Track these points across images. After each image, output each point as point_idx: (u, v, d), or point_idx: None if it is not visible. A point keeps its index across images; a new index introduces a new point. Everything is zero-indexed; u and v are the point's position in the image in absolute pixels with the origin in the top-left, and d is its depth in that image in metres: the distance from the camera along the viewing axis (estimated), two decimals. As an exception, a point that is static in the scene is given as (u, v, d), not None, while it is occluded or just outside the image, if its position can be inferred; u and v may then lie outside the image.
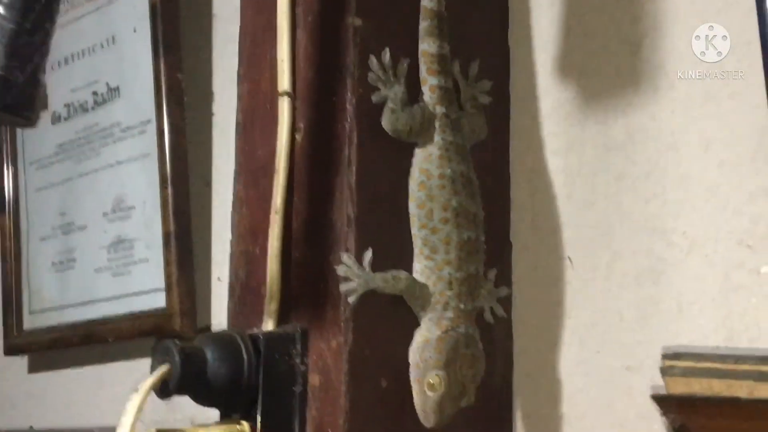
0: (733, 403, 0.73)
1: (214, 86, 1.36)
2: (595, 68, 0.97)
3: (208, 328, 1.28)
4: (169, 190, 1.32)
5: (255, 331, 0.93)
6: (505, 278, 1.00)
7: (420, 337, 0.90)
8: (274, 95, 0.99)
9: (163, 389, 0.87)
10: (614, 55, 0.95)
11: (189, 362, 0.87)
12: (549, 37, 1.01)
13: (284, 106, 0.97)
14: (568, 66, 0.99)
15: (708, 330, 0.86)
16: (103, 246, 1.42)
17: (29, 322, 1.55)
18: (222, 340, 0.90)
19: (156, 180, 1.33)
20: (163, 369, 0.86)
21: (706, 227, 0.87)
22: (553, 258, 0.98)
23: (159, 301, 1.32)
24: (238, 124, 1.05)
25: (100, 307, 1.42)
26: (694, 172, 0.89)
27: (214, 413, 0.92)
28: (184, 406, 0.94)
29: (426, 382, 0.88)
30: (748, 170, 0.82)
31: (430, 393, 0.88)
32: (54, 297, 1.51)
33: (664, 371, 0.79)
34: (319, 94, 0.97)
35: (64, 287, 1.49)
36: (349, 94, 0.93)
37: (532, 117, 1.01)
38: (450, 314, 0.90)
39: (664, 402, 0.77)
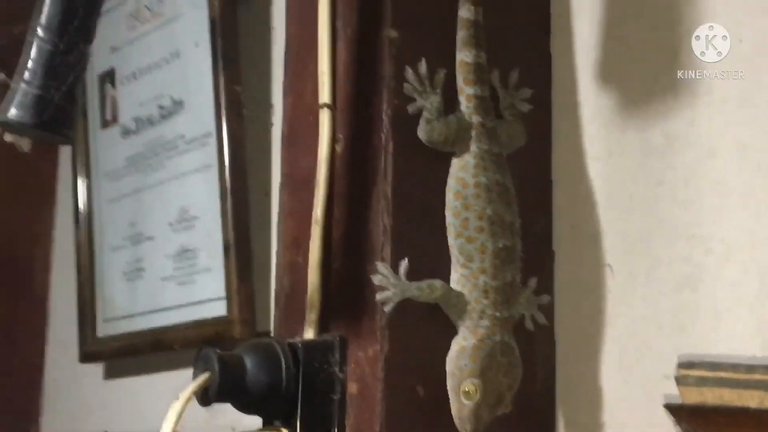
0: (743, 412, 0.72)
1: (272, 98, 1.39)
2: (633, 74, 0.97)
3: (267, 334, 1.30)
4: (229, 201, 1.34)
5: (295, 339, 0.95)
6: (547, 286, 1.00)
7: (456, 345, 0.91)
8: (316, 107, 1.01)
9: (204, 396, 0.89)
10: (650, 58, 0.95)
11: (228, 370, 0.89)
12: (590, 44, 1.01)
13: (324, 118, 0.99)
14: (608, 72, 0.99)
15: (745, 337, 0.85)
16: (169, 255, 1.46)
17: (103, 330, 1.59)
18: (261, 348, 0.92)
19: (217, 191, 1.36)
20: (203, 377, 0.89)
21: (742, 233, 0.86)
22: (594, 265, 0.98)
23: (220, 309, 1.35)
24: (283, 135, 1.07)
25: (166, 315, 1.45)
26: (731, 178, 0.88)
27: (255, 420, 0.94)
28: (226, 413, 0.96)
29: (462, 390, 0.88)
30: (786, 175, 0.81)
31: (466, 401, 0.88)
32: (125, 305, 1.55)
33: (679, 380, 0.78)
34: (358, 106, 0.98)
35: (134, 296, 1.53)
36: (384, 105, 0.95)
37: (573, 123, 1.01)
38: (486, 322, 0.91)
39: (677, 411, 0.77)
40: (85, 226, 1.63)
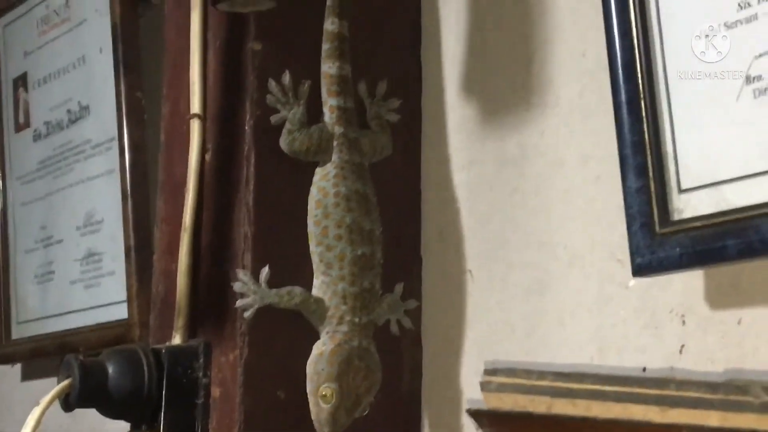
0: (530, 417, 0.75)
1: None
2: (493, 85, 1.00)
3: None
4: (130, 204, 1.37)
5: (161, 345, 0.97)
6: (414, 291, 1.02)
7: (316, 350, 0.93)
8: (189, 116, 1.03)
9: (65, 402, 0.92)
10: (508, 72, 0.98)
11: (89, 376, 0.92)
12: (456, 56, 1.03)
13: (195, 128, 1.01)
14: (472, 83, 1.02)
15: (583, 341, 0.88)
16: (77, 259, 1.48)
17: (17, 332, 1.61)
18: (124, 354, 0.94)
19: (119, 195, 1.39)
20: (63, 383, 0.91)
21: (584, 240, 0.89)
22: (457, 271, 1.01)
23: (122, 312, 1.38)
24: (161, 143, 1.09)
25: (73, 318, 1.48)
26: (575, 187, 0.91)
27: (123, 425, 0.97)
28: (91, 418, 0.98)
29: (319, 393, 0.91)
30: (620, 185, 0.83)
31: (323, 404, 0.90)
32: (37, 308, 1.57)
33: (482, 386, 0.81)
34: (226, 116, 1.01)
35: (45, 298, 1.55)
36: (248, 116, 0.97)
37: (440, 133, 1.04)
38: (344, 328, 0.93)
39: (478, 415, 0.79)
40: (0, 229, 1.65)
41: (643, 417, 0.70)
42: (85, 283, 1.47)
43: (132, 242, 1.36)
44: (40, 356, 1.55)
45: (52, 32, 1.55)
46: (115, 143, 1.40)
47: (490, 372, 0.82)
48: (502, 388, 0.80)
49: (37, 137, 1.58)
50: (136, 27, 1.40)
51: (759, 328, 0.77)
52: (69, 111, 1.51)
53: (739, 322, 0.77)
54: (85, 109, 1.48)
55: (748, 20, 0.72)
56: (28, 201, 1.61)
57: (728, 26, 0.74)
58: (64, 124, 1.52)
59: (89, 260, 1.46)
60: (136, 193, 1.37)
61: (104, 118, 1.43)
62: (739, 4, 0.73)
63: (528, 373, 0.79)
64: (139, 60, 1.40)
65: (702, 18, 0.75)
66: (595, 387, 0.75)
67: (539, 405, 0.75)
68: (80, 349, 1.44)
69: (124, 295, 1.38)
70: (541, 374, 0.78)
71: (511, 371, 0.81)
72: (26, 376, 1.68)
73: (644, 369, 0.82)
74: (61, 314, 1.51)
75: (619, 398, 0.73)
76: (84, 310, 1.46)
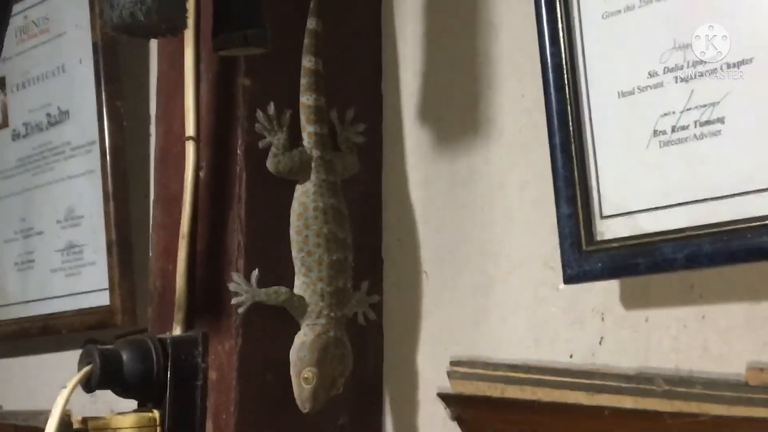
0: (488, 400, 0.95)
1: (151, 110, 1.56)
2: (445, 115, 1.18)
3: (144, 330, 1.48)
4: (111, 204, 1.52)
5: (165, 335, 1.14)
6: (376, 288, 1.21)
7: (298, 339, 1.11)
8: (183, 138, 1.20)
9: (87, 385, 1.09)
10: (458, 106, 1.16)
11: (108, 362, 1.08)
12: (413, 88, 1.21)
13: (190, 149, 1.18)
14: (427, 113, 1.20)
15: (521, 334, 1.07)
16: (58, 249, 1.63)
17: (-2, 315, 1.76)
18: (136, 343, 1.11)
19: (100, 194, 1.54)
20: (86, 368, 1.08)
21: (521, 252, 1.08)
22: (414, 272, 1.19)
23: (104, 299, 1.53)
24: (155, 159, 1.26)
25: (55, 303, 1.63)
26: (515, 206, 1.10)
27: (131, 403, 1.14)
28: (106, 398, 1.15)
29: (302, 376, 1.09)
30: (553, 206, 1.02)
31: (305, 386, 1.08)
32: (17, 293, 1.72)
33: (449, 374, 1.01)
34: (218, 139, 1.17)
35: (26, 285, 1.70)
36: (239, 141, 1.14)
37: (399, 154, 1.22)
38: (322, 321, 1.11)
39: (447, 398, 0.99)
40: (-23, 220, 1.79)
41: (576, 400, 0.90)
42: (66, 272, 1.62)
43: (114, 237, 1.52)
44: (21, 337, 1.70)
45: (30, 41, 1.68)
46: (96, 146, 1.55)
47: (455, 363, 1.02)
48: (465, 376, 0.99)
49: (15, 137, 1.72)
50: (115, 42, 1.55)
51: (661, 324, 0.97)
52: (49, 114, 1.65)
53: (646, 320, 0.98)
54: (64, 114, 1.62)
55: (655, 86, 0.92)
56: (5, 195, 1.74)
57: (640, 89, 0.93)
58: (44, 126, 1.66)
59: (70, 251, 1.61)
60: (117, 194, 1.53)
61: (84, 123, 1.58)
62: (648, 73, 0.92)
63: (486, 364, 0.99)
64: (119, 72, 1.55)
65: (619, 82, 0.94)
66: (538, 377, 0.95)
67: (495, 390, 0.95)
68: (62, 331, 1.61)
69: (105, 284, 1.53)
70: (497, 366, 0.98)
71: (472, 363, 1.00)
72: (1, 354, 1.83)
73: (571, 356, 1.02)
74: (42, 299, 1.66)
75: (557, 385, 0.93)
76: (65, 296, 1.61)
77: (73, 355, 1.62)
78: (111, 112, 1.54)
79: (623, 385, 0.89)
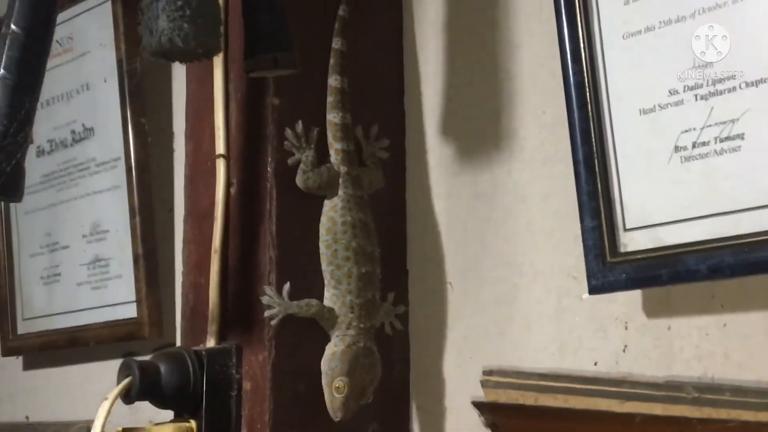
0: (522, 408, 0.98)
1: (174, 126, 1.60)
2: (467, 131, 1.22)
3: (173, 345, 1.52)
4: (137, 218, 1.56)
5: (200, 347, 1.18)
6: (402, 298, 1.24)
7: (329, 350, 1.15)
8: (213, 155, 1.23)
9: (127, 396, 1.12)
10: (480, 121, 1.20)
11: (146, 375, 1.12)
12: (435, 105, 1.25)
13: (220, 166, 1.22)
14: (448, 128, 1.24)
15: (546, 342, 1.11)
16: (84, 263, 1.67)
17: (23, 328, 1.80)
18: (172, 356, 1.15)
19: (126, 209, 1.58)
20: (126, 381, 1.12)
21: (545, 262, 1.12)
22: (439, 283, 1.23)
23: (131, 311, 1.57)
24: (185, 176, 1.29)
25: (82, 316, 1.67)
26: (537, 219, 1.13)
27: (168, 414, 1.17)
28: (144, 409, 1.19)
29: (333, 386, 1.12)
30: (575, 218, 1.06)
31: (336, 395, 1.12)
32: (43, 306, 1.75)
33: (482, 383, 1.05)
34: (248, 157, 1.21)
35: (52, 298, 1.73)
36: (269, 158, 1.18)
37: (422, 169, 1.26)
38: (352, 332, 1.15)
39: (480, 406, 1.03)
40: (4, 234, 1.82)
41: (607, 407, 0.94)
42: (92, 285, 1.66)
43: (140, 251, 1.55)
44: (48, 349, 1.74)
45: (54, 60, 1.71)
46: (120, 162, 1.59)
47: (487, 373, 1.05)
48: (498, 385, 1.03)
49: (40, 153, 1.75)
50: (139, 58, 1.59)
51: (683, 332, 1.00)
52: (73, 131, 1.69)
53: (669, 328, 1.01)
54: (89, 131, 1.66)
55: (676, 104, 0.96)
56: (31, 210, 1.78)
57: (661, 107, 0.97)
58: (68, 143, 1.70)
59: (96, 265, 1.65)
60: (143, 208, 1.56)
61: (109, 140, 1.61)
62: (669, 91, 0.96)
63: (518, 373, 1.02)
64: (143, 90, 1.59)
65: (640, 100, 0.98)
66: (570, 385, 0.98)
67: (528, 398, 0.98)
68: (90, 343, 1.64)
69: (131, 297, 1.57)
70: (528, 374, 1.02)
71: (504, 372, 1.04)
72: (27, 366, 1.87)
73: (596, 363, 1.05)
74: (68, 312, 1.70)
75: (588, 393, 0.97)
76: (92, 309, 1.65)
77: (99, 367, 1.68)
78: (136, 129, 1.58)
79: (653, 392, 0.93)
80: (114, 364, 1.62)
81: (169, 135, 1.60)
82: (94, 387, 1.68)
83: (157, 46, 0.99)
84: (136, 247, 1.56)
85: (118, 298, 1.60)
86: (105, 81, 1.62)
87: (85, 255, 1.66)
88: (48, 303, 1.74)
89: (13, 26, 1.02)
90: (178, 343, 1.50)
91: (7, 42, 1.01)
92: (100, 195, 1.64)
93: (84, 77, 1.66)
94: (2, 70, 1.01)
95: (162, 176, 1.59)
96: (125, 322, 1.58)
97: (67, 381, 1.75)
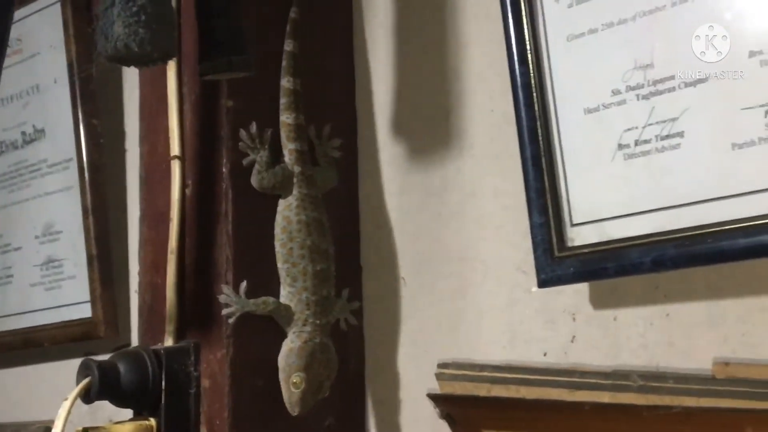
0: (475, 399, 1.02)
1: (125, 127, 1.61)
2: (417, 129, 1.25)
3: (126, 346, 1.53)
4: (91, 219, 1.57)
5: (158, 346, 1.20)
6: (356, 294, 1.27)
7: (286, 346, 1.17)
8: (168, 156, 1.25)
9: (87, 396, 1.14)
10: (430, 120, 1.23)
11: (105, 375, 1.14)
12: (385, 104, 1.28)
13: (175, 168, 1.23)
14: (400, 127, 1.27)
15: (498, 335, 1.14)
16: (37, 264, 1.67)
17: (-26, 330, 1.80)
18: (131, 355, 1.17)
19: (79, 209, 1.59)
20: (86, 381, 1.13)
21: (495, 257, 1.15)
22: (392, 278, 1.26)
23: (86, 311, 1.58)
24: (141, 177, 1.31)
25: (35, 317, 1.67)
26: (487, 214, 1.17)
27: (128, 413, 1.19)
28: (104, 408, 1.20)
29: (291, 381, 1.15)
30: (524, 213, 1.09)
31: (294, 390, 1.14)
32: (-5, 308, 1.76)
33: (437, 376, 1.08)
34: (203, 158, 1.23)
35: (4, 299, 1.74)
36: (224, 160, 1.20)
37: (374, 167, 1.28)
38: (308, 328, 1.17)
39: (436, 398, 1.06)
40: (-46, 236, 1.82)
41: (558, 396, 0.98)
42: (45, 285, 1.66)
43: (94, 251, 1.56)
44: (4, 350, 1.74)
45: (5, 61, 1.72)
46: (73, 163, 1.60)
47: (442, 366, 1.08)
48: (453, 377, 1.06)
49: (-10, 154, 1.76)
50: (90, 60, 1.60)
51: (629, 322, 1.04)
52: (24, 133, 1.69)
53: (615, 319, 1.05)
54: (40, 132, 1.67)
55: (619, 103, 0.99)
56: (-17, 212, 1.78)
57: (605, 106, 1.00)
58: (19, 144, 1.70)
59: (49, 266, 1.65)
60: (96, 209, 1.57)
61: (60, 141, 1.62)
62: (612, 91, 1.00)
63: (472, 366, 1.06)
64: (94, 92, 1.60)
65: (585, 99, 1.01)
66: (522, 376, 1.02)
67: (481, 390, 1.02)
68: (44, 344, 1.65)
69: (86, 297, 1.58)
70: (482, 367, 1.05)
71: (458, 365, 1.07)
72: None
73: (545, 354, 1.09)
74: (22, 313, 1.70)
75: (540, 384, 1.00)
76: (46, 309, 1.66)
77: (53, 367, 1.69)
78: (88, 130, 1.58)
79: (601, 381, 0.97)
80: (68, 364, 1.65)
81: (121, 135, 1.61)
82: (49, 387, 1.69)
83: (113, 52, 1.00)
84: (89, 247, 1.57)
85: (72, 299, 1.61)
86: (55, 82, 1.63)
87: (38, 256, 1.67)
88: (1, 304, 1.75)
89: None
90: (134, 342, 1.52)
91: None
92: (52, 196, 1.65)
93: (34, 79, 1.67)
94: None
95: (114, 176, 1.60)
96: (80, 322, 1.59)
97: (22, 382, 1.76)
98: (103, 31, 1.00)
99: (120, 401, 1.17)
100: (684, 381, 0.92)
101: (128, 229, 1.60)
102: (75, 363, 1.59)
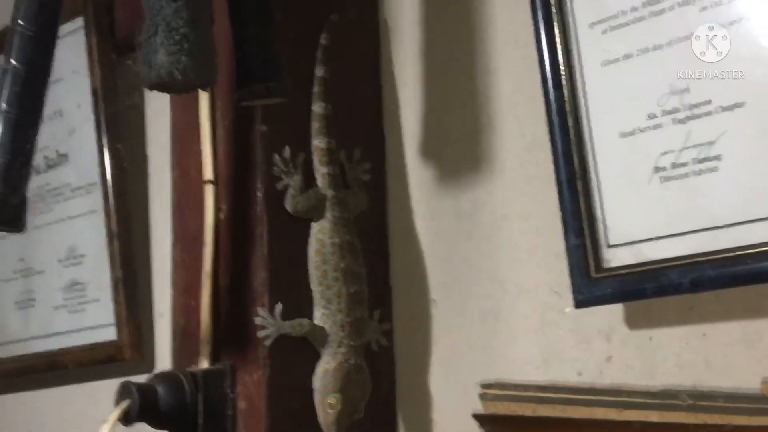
0: (521, 419, 1.03)
1: (147, 150, 1.63)
2: (447, 153, 1.27)
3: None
4: (116, 243, 1.58)
5: (194, 368, 1.21)
6: (387, 316, 1.29)
7: (321, 368, 1.19)
8: (200, 181, 1.27)
9: (126, 418, 1.15)
10: (459, 144, 1.25)
11: (145, 397, 1.15)
12: (414, 129, 1.30)
13: (209, 192, 1.25)
14: (428, 150, 1.29)
15: (531, 355, 1.16)
16: (59, 288, 1.69)
17: (-1, 353, 1.81)
18: (169, 377, 1.18)
19: (102, 233, 1.60)
20: (125, 403, 1.15)
21: (528, 278, 1.17)
22: (423, 300, 1.28)
23: (110, 334, 1.59)
24: (173, 201, 1.32)
25: (60, 339, 1.69)
26: (518, 236, 1.18)
27: (164, 434, 1.21)
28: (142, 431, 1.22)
29: (326, 402, 1.16)
30: (557, 236, 1.11)
31: (329, 411, 1.16)
32: (19, 331, 1.77)
33: (481, 396, 1.09)
34: (236, 182, 1.25)
35: (27, 322, 1.75)
36: (259, 184, 1.22)
37: (403, 190, 1.30)
38: (343, 350, 1.19)
39: (481, 419, 1.08)
40: (-25, 261, 1.84)
41: (604, 416, 0.99)
42: (68, 308, 1.68)
43: (120, 275, 1.58)
44: (25, 374, 1.75)
45: (26, 87, 1.73)
46: (96, 187, 1.62)
47: (486, 386, 1.10)
48: (496, 397, 1.07)
49: (12, 179, 1.77)
50: (114, 88, 1.62)
51: (664, 342, 1.06)
52: (46, 157, 1.71)
53: (650, 339, 1.07)
54: (63, 157, 1.68)
55: (655, 127, 1.01)
56: (3, 236, 1.79)
57: (641, 130, 1.02)
58: (41, 169, 1.72)
59: (72, 289, 1.67)
60: (121, 233, 1.59)
61: (84, 165, 1.64)
62: (647, 115, 1.02)
63: (515, 386, 1.07)
64: (118, 116, 1.62)
65: (620, 123, 1.04)
66: (567, 395, 1.03)
67: (527, 410, 1.03)
68: (69, 366, 1.66)
69: (110, 320, 1.59)
70: (526, 387, 1.06)
71: (502, 385, 1.09)
72: (2, 391, 1.87)
73: (580, 374, 1.11)
74: (46, 336, 1.71)
75: (586, 403, 1.02)
76: (70, 332, 1.67)
77: (76, 389, 1.70)
78: (112, 155, 1.60)
79: (648, 401, 0.98)
80: (91, 386, 1.66)
81: (144, 159, 1.63)
82: (72, 409, 1.70)
83: (156, 80, 1.02)
84: (114, 270, 1.59)
85: (96, 321, 1.62)
86: (78, 107, 1.65)
87: (61, 279, 1.69)
88: (23, 327, 1.76)
89: (13, 61, 1.05)
90: (158, 365, 1.54)
91: (9, 77, 1.04)
92: (75, 220, 1.66)
93: (57, 104, 1.68)
94: (4, 105, 1.04)
95: (138, 201, 1.62)
96: (106, 345, 1.60)
97: (43, 404, 1.77)
98: (147, 59, 1.02)
99: (158, 423, 1.18)
100: (734, 400, 0.93)
101: (151, 253, 1.62)
102: (98, 385, 1.61)
